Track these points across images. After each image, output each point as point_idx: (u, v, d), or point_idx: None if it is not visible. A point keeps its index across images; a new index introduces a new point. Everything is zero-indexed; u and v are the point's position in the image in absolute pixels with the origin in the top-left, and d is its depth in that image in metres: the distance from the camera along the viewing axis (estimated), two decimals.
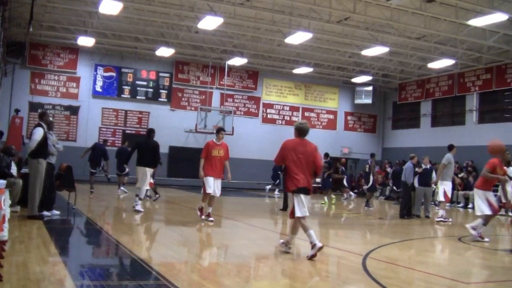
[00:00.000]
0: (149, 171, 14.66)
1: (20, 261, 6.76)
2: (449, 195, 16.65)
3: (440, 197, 16.56)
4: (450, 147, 16.52)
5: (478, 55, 26.28)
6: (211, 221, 12.79)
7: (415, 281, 7.42)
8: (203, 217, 13.03)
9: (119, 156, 20.65)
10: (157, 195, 18.61)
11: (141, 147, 14.72)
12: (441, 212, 16.73)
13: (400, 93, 33.96)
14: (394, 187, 25.46)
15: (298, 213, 8.45)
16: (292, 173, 8.62)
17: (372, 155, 23.05)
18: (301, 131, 8.85)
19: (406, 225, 15.35)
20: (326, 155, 22.62)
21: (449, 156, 16.20)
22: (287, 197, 17.70)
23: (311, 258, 8.10)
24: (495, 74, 27.13)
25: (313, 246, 8.12)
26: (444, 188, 16.32)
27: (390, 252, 9.64)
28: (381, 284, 6.64)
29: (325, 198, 21.86)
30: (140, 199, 14.54)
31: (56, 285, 5.87)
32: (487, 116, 28.45)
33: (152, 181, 15.39)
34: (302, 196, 8.51)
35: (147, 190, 15.84)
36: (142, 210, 14.40)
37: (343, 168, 25.12)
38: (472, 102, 28.80)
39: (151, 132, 15.19)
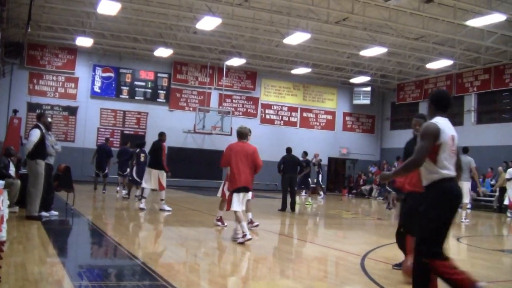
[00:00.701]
0: (153, 172, 15.32)
1: (19, 261, 6.75)
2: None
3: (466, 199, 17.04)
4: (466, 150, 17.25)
5: (476, 56, 26.30)
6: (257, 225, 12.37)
7: None
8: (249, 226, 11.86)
9: (120, 157, 20.77)
10: (127, 194, 19.21)
11: (150, 148, 15.87)
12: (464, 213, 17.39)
13: (399, 93, 33.97)
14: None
15: (234, 208, 9.67)
16: (234, 174, 9.79)
17: (398, 158, 22.72)
18: (241, 135, 10.20)
19: None
20: (305, 153, 22.51)
21: (471, 159, 16.95)
22: (285, 198, 17.81)
23: (239, 243, 9.41)
24: (493, 75, 27.15)
25: (244, 235, 9.46)
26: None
27: (389, 253, 9.64)
28: (379, 284, 6.65)
29: (309, 198, 21.91)
30: (143, 197, 15.51)
31: (54, 286, 5.87)
32: (486, 117, 28.48)
33: (163, 184, 15.51)
34: (242, 194, 9.77)
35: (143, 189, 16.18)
36: (144, 208, 15.13)
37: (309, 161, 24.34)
38: (471, 102, 28.83)
39: (159, 135, 15.93)
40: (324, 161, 33.67)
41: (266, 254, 9.34)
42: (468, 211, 17.50)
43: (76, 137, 28.71)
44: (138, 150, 19.73)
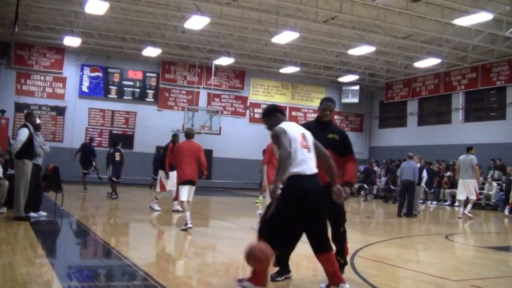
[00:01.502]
0: (159, 172, 15.81)
1: (7, 262, 6.71)
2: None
3: (472, 196, 17.54)
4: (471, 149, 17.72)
5: (463, 54, 26.44)
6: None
7: (402, 279, 7.46)
8: None
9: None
10: (114, 195, 19.16)
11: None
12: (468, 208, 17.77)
13: (387, 92, 34.09)
14: (392, 186, 25.59)
15: (182, 198, 11.13)
16: (182, 169, 11.10)
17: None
18: (188, 135, 11.67)
19: (393, 223, 15.42)
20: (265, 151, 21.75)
21: (474, 157, 17.37)
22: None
23: (182, 230, 10.89)
24: (480, 73, 27.32)
25: (186, 224, 10.91)
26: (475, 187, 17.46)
27: (378, 251, 9.68)
28: (369, 282, 6.67)
29: (260, 197, 21.06)
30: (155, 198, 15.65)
31: (43, 287, 5.84)
32: (473, 115, 28.64)
33: (165, 185, 15.45)
34: (188, 186, 11.11)
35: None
36: (158, 209, 15.20)
37: None
38: (458, 100, 28.98)
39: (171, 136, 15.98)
40: None
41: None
42: (469, 207, 17.61)
43: (65, 137, 28.57)
44: (112, 149, 19.74)
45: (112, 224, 12.76)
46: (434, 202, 25.39)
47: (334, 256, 5.91)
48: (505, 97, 26.32)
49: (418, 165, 18.54)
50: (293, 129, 5.77)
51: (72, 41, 26.22)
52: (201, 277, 6.81)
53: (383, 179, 27.90)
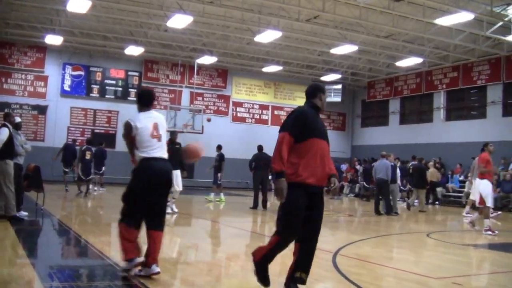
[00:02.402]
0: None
1: None
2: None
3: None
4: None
5: (445, 54, 26.64)
6: None
7: (385, 277, 7.51)
8: None
9: (95, 157, 20.71)
10: (82, 192, 19.26)
11: None
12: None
13: (369, 91, 34.24)
14: (365, 184, 25.76)
15: None
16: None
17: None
18: None
19: (375, 222, 15.50)
20: (219, 147, 21.47)
21: None
22: (257, 196, 17.88)
23: None
24: (461, 72, 27.55)
25: None
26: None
27: (360, 249, 9.73)
28: (351, 281, 6.71)
29: (212, 195, 20.95)
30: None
31: (24, 287, 5.81)
32: (454, 114, 28.88)
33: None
34: None
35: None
36: (175, 211, 14.61)
37: None
38: (440, 99, 29.21)
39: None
40: None
41: (238, 252, 9.36)
42: (468, 208, 17.86)
43: (46, 137, 28.36)
44: (84, 147, 19.67)
45: (94, 224, 12.70)
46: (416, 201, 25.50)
47: (162, 238, 6.64)
48: (486, 96, 26.57)
49: (392, 164, 18.68)
50: (145, 120, 6.53)
51: (54, 39, 25.99)
52: (183, 276, 6.81)
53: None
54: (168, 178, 6.55)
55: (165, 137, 6.62)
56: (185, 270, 7.32)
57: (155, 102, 29.04)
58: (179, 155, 14.73)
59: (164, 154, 6.52)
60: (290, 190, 5.45)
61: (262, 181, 18.03)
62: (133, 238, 6.38)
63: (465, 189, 23.20)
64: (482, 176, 12.87)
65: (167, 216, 13.76)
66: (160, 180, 6.39)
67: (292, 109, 5.86)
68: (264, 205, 17.81)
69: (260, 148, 18.56)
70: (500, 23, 21.21)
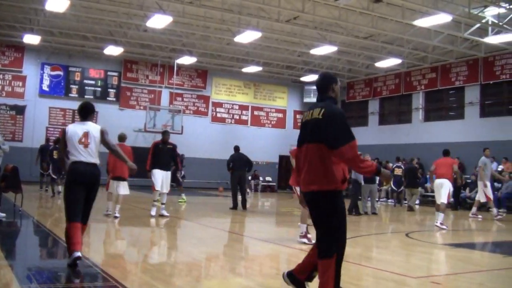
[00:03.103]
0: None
1: None
2: (490, 195, 17.64)
3: (481, 199, 17.60)
4: (484, 150, 18.04)
5: (423, 55, 26.87)
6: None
7: (364, 276, 7.55)
8: None
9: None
10: (53, 194, 19.37)
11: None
12: (473, 210, 18.14)
13: (348, 91, 34.39)
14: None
15: (110, 190, 13.66)
16: (115, 167, 13.08)
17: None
18: (121, 138, 13.73)
19: (353, 222, 15.57)
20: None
21: (483, 159, 17.44)
22: (236, 196, 17.91)
23: (105, 215, 13.49)
24: (440, 73, 27.82)
25: (108, 210, 13.73)
26: (484, 189, 17.39)
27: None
28: None
29: (183, 195, 20.48)
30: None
31: None
32: (433, 114, 29.12)
33: (155, 185, 14.15)
34: (116, 181, 13.37)
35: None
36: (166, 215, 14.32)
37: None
38: (418, 100, 29.44)
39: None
40: (275, 159, 33.91)
41: (217, 253, 9.36)
42: (474, 209, 18.02)
43: (24, 137, 28.13)
44: (52, 147, 19.54)
45: None
46: (391, 200, 25.63)
47: (84, 230, 7.50)
48: (464, 97, 26.84)
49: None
50: (77, 128, 7.36)
51: (32, 39, 25.78)
52: (163, 277, 6.79)
53: None
54: (91, 180, 7.20)
55: (94, 146, 7.31)
56: (164, 271, 7.31)
57: (135, 102, 28.99)
58: (172, 156, 14.76)
59: (91, 159, 7.22)
60: (339, 199, 5.17)
61: (240, 181, 18.08)
62: (70, 235, 7.12)
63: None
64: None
65: (151, 220, 13.76)
66: (83, 180, 7.08)
67: (333, 111, 5.37)
68: (244, 206, 17.83)
69: (236, 148, 18.61)
70: (478, 25, 21.47)
